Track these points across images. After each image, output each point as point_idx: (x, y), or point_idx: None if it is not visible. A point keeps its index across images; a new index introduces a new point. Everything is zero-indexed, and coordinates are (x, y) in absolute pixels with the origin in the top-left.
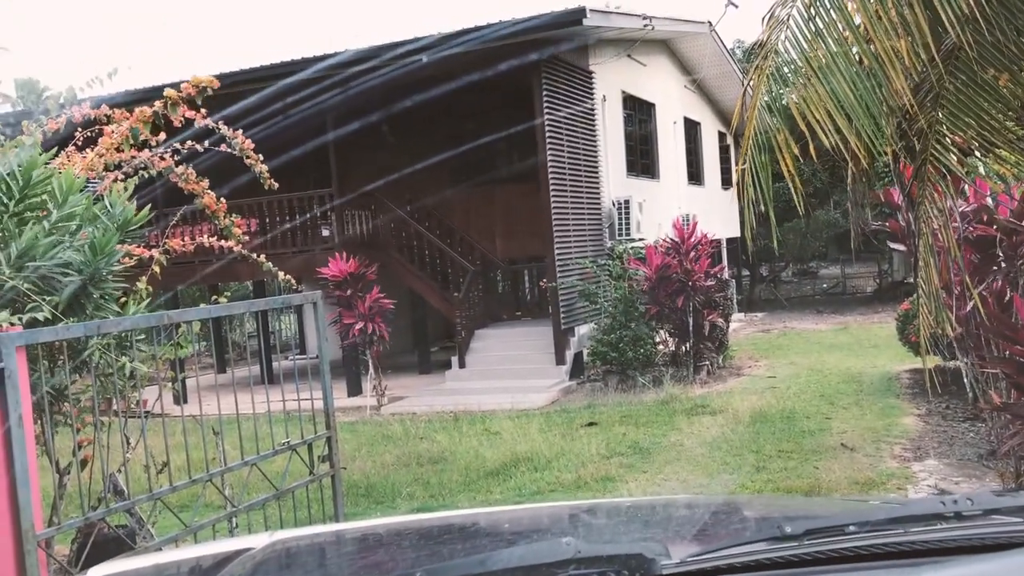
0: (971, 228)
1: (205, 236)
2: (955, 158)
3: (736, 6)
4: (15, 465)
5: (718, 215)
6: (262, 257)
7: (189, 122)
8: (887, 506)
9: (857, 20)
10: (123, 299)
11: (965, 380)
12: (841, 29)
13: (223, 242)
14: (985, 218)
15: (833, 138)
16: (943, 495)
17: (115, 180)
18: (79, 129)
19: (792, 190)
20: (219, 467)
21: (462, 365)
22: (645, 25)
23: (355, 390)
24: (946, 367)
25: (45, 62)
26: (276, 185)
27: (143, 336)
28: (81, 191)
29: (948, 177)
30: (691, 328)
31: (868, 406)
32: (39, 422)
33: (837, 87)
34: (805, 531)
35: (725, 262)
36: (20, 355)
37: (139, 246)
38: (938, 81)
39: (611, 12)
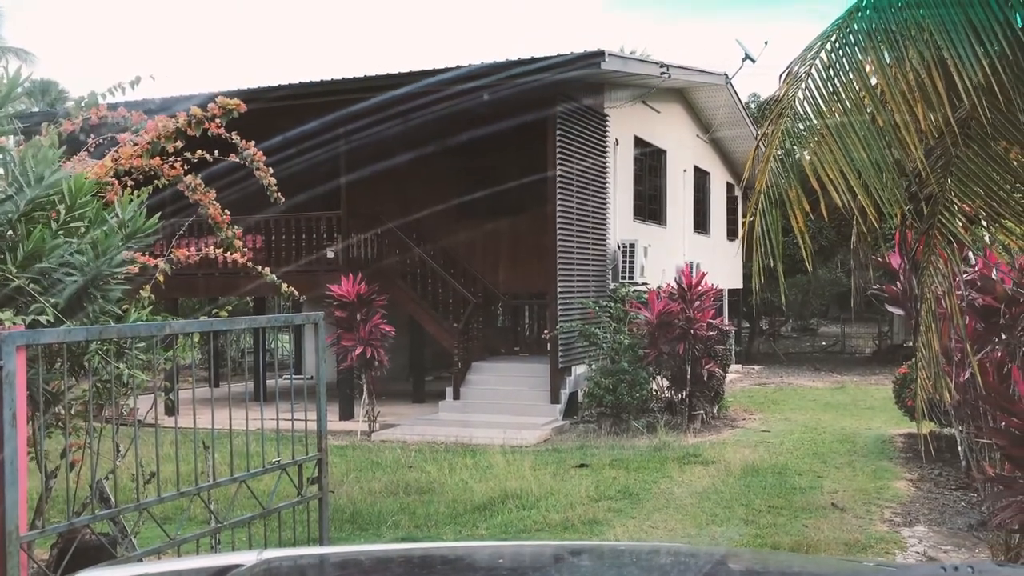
0: (974, 296)
1: (211, 247)
2: (962, 224)
3: (753, 60)
4: (5, 465)
5: (722, 265)
6: (266, 270)
7: (204, 132)
8: (886, 570)
9: (874, 81)
10: (126, 306)
11: (959, 448)
12: (858, 90)
13: (229, 254)
14: (985, 286)
15: (844, 196)
16: (943, 563)
17: (128, 187)
18: (92, 135)
19: (801, 247)
20: (208, 481)
21: (456, 396)
22: (662, 73)
23: (347, 414)
24: (941, 433)
25: (71, 67)
26: (283, 198)
27: (142, 344)
28: (92, 195)
29: (954, 243)
30: (689, 376)
31: (861, 467)
32: (31, 424)
33: (851, 146)
34: None
35: (726, 313)
36: (20, 355)
37: (145, 254)
38: (950, 148)
39: (629, 58)
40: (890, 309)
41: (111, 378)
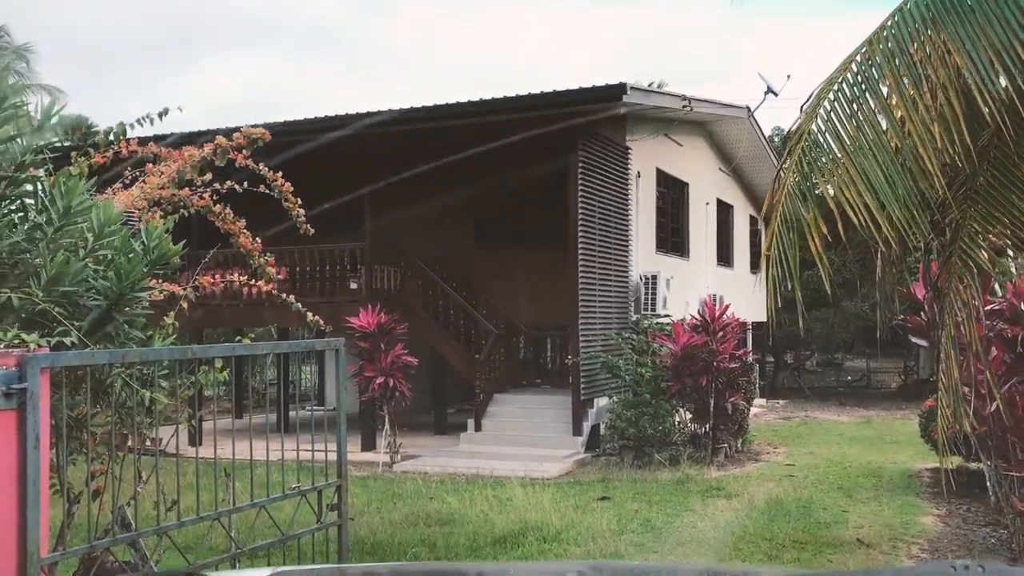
0: (1002, 326)
1: (235, 276)
2: (984, 253)
3: (776, 94)
4: (27, 487)
5: (745, 298)
6: (291, 297)
7: (231, 163)
8: (897, 568)
9: (895, 109)
10: (149, 333)
11: (988, 483)
12: (878, 118)
13: (254, 282)
14: (1013, 316)
15: (863, 218)
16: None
17: (155, 216)
18: (128, 168)
19: (820, 270)
20: (227, 507)
21: (478, 428)
22: (684, 106)
23: (369, 445)
24: (968, 468)
25: (103, 105)
26: (312, 230)
27: (165, 371)
28: (121, 224)
29: (975, 271)
30: (712, 409)
31: (887, 502)
32: (55, 448)
33: (872, 174)
34: None
35: (750, 346)
36: (44, 377)
37: (171, 282)
38: (972, 175)
39: (651, 91)
40: (914, 340)
41: (133, 404)
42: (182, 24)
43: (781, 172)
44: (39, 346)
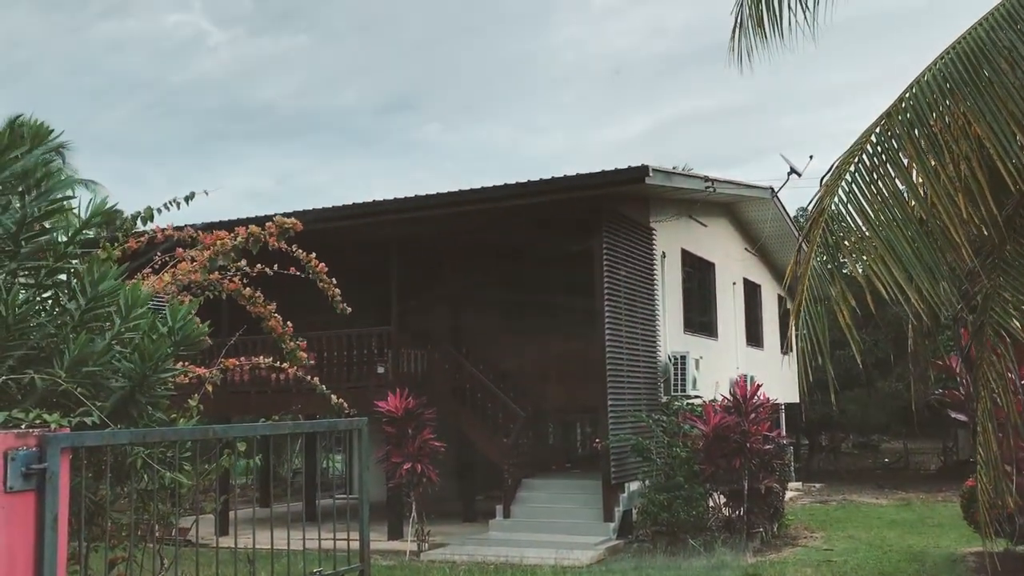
0: None
1: (260, 359)
2: (1017, 323)
3: (799, 175)
4: (44, 570)
5: (776, 379)
6: (315, 379)
7: (264, 247)
8: None
9: (917, 179)
10: (173, 415)
11: None
12: (899, 185)
13: (283, 365)
14: None
15: (894, 294)
16: None
17: (184, 300)
18: (158, 252)
19: (852, 347)
20: None
21: (507, 515)
22: (707, 187)
23: (396, 533)
24: (1014, 551)
25: (136, 196)
26: (349, 309)
27: (188, 453)
28: (147, 307)
29: (1009, 341)
30: (746, 492)
31: None
32: (75, 534)
33: (897, 246)
34: None
35: (783, 427)
36: (64, 457)
37: (197, 365)
38: (1000, 245)
39: (673, 172)
40: (952, 415)
41: (155, 487)
42: (213, 118)
43: (803, 245)
44: (60, 426)
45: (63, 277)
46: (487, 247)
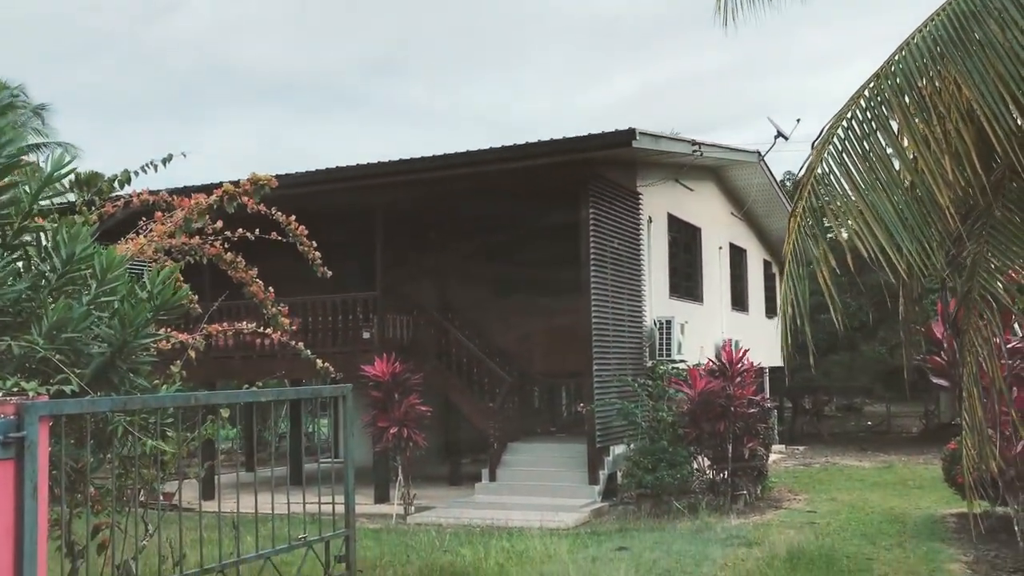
0: (1020, 365)
1: (245, 324)
2: (1001, 286)
3: (786, 138)
4: (24, 540)
5: (761, 343)
6: (300, 344)
7: (242, 209)
8: None
9: (905, 143)
10: (155, 381)
11: (1015, 527)
12: (887, 149)
13: (267, 330)
14: None
15: (878, 258)
16: None
17: (162, 263)
18: (142, 219)
19: (831, 305)
20: (232, 558)
21: (492, 478)
22: (694, 151)
23: (382, 497)
24: (995, 512)
25: (115, 156)
26: (329, 273)
27: (170, 420)
28: (125, 270)
29: (995, 307)
30: (730, 455)
31: (912, 549)
32: (53, 503)
33: (884, 210)
34: None
35: (767, 391)
36: (43, 425)
37: (180, 331)
38: (987, 209)
39: (660, 136)
40: (935, 381)
41: (137, 454)
42: (194, 80)
43: (795, 211)
44: (38, 394)
45: (29, 238)
46: (473, 212)
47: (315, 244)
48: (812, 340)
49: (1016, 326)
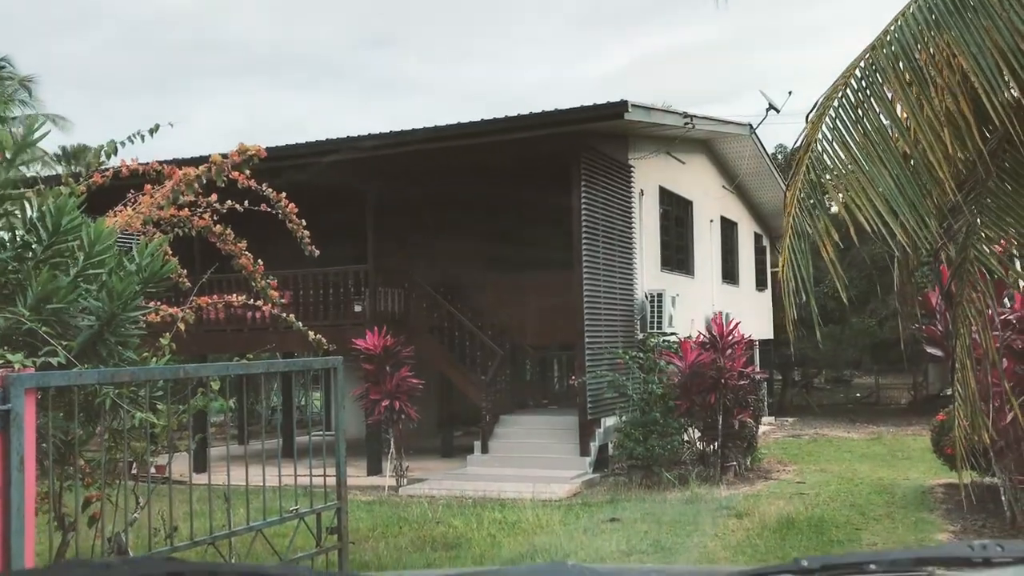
0: (1013, 337)
1: (235, 297)
2: (996, 259)
3: (778, 111)
4: (11, 511)
5: (751, 316)
6: (291, 316)
7: (232, 184)
8: (914, 549)
9: (901, 113)
10: (145, 354)
11: (1003, 498)
12: (883, 119)
13: (258, 303)
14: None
15: (876, 228)
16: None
17: (153, 236)
18: (130, 192)
19: (835, 281)
20: (223, 531)
21: (485, 450)
22: (686, 124)
23: (375, 469)
24: (983, 483)
25: (105, 129)
26: (317, 252)
27: (160, 392)
28: (114, 243)
29: (988, 277)
30: (720, 426)
31: (900, 519)
32: (43, 476)
33: (880, 181)
34: (822, 566)
35: (758, 364)
36: (29, 398)
37: (171, 304)
38: (983, 180)
39: (652, 108)
40: (929, 350)
41: (126, 427)
42: (184, 53)
43: (794, 183)
44: (24, 366)
45: (13, 207)
46: (465, 185)
47: (304, 223)
48: (801, 313)
49: (1006, 299)
